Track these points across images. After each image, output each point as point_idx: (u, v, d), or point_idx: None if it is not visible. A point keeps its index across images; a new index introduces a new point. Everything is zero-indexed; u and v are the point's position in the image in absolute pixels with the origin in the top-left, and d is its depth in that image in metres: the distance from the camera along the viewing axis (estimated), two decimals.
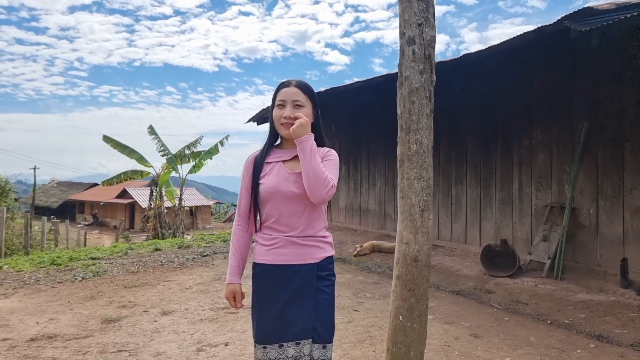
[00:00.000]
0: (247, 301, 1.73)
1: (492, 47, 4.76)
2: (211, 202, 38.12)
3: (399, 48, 2.11)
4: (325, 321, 1.66)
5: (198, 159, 15.08)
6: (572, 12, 3.91)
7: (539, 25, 4.21)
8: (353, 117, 8.97)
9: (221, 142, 15.40)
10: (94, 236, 24.87)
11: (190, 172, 15.27)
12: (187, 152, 15.31)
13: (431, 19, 2.05)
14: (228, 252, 6.95)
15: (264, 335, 1.63)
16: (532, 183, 5.61)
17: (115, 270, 5.64)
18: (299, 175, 1.65)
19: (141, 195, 27.39)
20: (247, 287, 1.69)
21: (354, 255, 6.52)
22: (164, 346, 3.16)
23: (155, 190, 15.42)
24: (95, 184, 37.21)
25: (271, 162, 1.72)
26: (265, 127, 1.85)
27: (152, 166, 15.19)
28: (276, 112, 1.71)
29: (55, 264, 5.93)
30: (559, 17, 3.97)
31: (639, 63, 4.57)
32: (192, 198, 29.15)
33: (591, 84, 5.01)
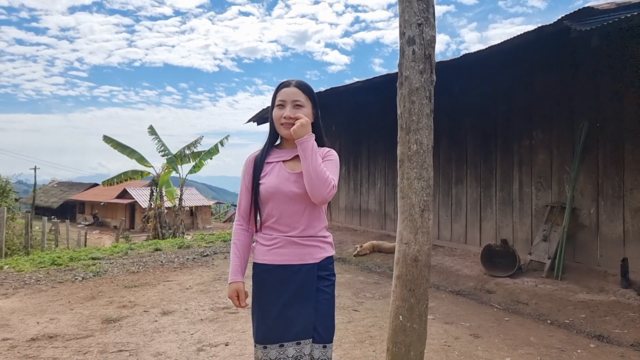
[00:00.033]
0: (248, 300, 1.73)
1: (492, 47, 4.76)
2: (211, 202, 38.13)
3: (399, 48, 2.11)
4: (325, 321, 1.66)
5: (198, 159, 15.09)
6: (572, 11, 3.91)
7: (539, 25, 4.21)
8: (353, 117, 8.97)
9: (221, 142, 15.41)
10: (95, 236, 24.88)
11: (191, 172, 15.27)
12: (187, 152, 15.31)
13: (431, 19, 2.05)
14: (228, 252, 6.96)
15: (264, 335, 1.63)
16: (533, 183, 5.61)
17: (115, 271, 5.65)
18: (300, 175, 1.65)
19: (141, 195, 27.41)
20: (247, 287, 1.69)
21: (354, 255, 6.52)
22: (164, 346, 3.16)
23: (156, 190, 15.42)
24: (96, 184, 37.22)
25: (271, 162, 1.72)
26: (265, 127, 1.85)
27: (152, 166, 15.20)
28: (276, 112, 1.71)
29: (55, 264, 5.93)
30: (559, 17, 3.97)
31: (639, 63, 4.57)
32: (192, 198, 29.15)
33: (591, 84, 5.01)
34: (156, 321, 3.69)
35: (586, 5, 3.96)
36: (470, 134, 6.48)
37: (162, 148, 15.16)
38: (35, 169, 37.47)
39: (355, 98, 8.03)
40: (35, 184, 38.26)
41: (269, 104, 1.78)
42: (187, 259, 6.48)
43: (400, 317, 2.03)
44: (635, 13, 3.41)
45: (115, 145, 14.75)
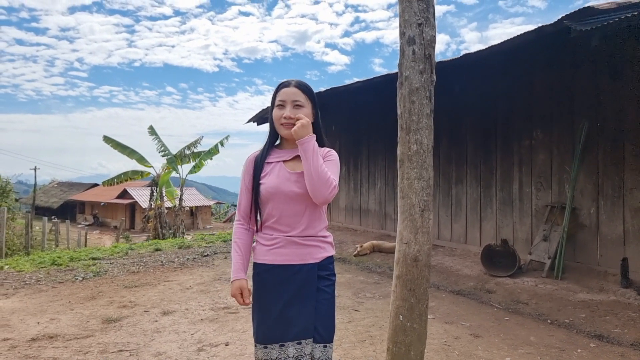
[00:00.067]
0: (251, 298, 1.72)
1: (492, 47, 4.76)
2: (211, 203, 38.14)
3: (399, 48, 2.11)
4: (325, 321, 1.66)
5: (198, 159, 15.09)
6: (572, 11, 3.91)
7: (540, 25, 4.21)
8: (353, 117, 8.97)
9: (221, 143, 15.41)
10: (95, 236, 24.89)
11: (191, 172, 15.28)
12: (187, 152, 15.32)
13: (431, 19, 2.05)
14: (228, 252, 6.96)
15: (264, 335, 1.63)
16: (533, 183, 5.61)
17: (115, 271, 5.65)
18: (300, 175, 1.65)
19: (141, 195, 27.42)
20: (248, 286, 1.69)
21: (354, 255, 6.52)
22: (165, 346, 3.16)
23: (156, 190, 15.42)
24: (96, 185, 37.23)
25: (272, 162, 1.72)
26: (265, 127, 1.85)
27: (152, 166, 15.21)
28: (276, 113, 1.71)
29: (56, 264, 5.93)
30: (560, 17, 3.97)
31: (639, 63, 4.57)
32: (193, 198, 29.16)
33: (591, 84, 5.01)
34: (156, 321, 3.69)
35: (586, 5, 3.97)
36: (470, 134, 6.48)
37: (162, 148, 15.17)
38: (35, 169, 37.49)
39: (355, 98, 8.03)
40: (35, 184, 38.27)
41: (269, 104, 1.78)
42: (188, 259, 6.48)
43: (401, 316, 2.03)
44: (636, 13, 3.41)
45: (115, 145, 14.76)
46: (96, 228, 30.40)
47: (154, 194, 15.53)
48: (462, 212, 6.57)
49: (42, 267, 5.76)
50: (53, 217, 24.06)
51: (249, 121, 9.61)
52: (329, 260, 1.73)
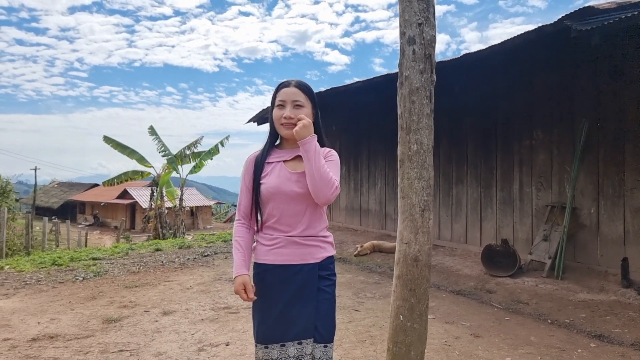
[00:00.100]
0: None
1: (492, 46, 4.76)
2: (212, 203, 38.15)
3: (399, 48, 2.11)
4: (326, 321, 1.66)
5: (198, 159, 15.10)
6: (572, 11, 3.91)
7: (540, 24, 4.21)
8: (353, 117, 8.97)
9: (221, 143, 15.42)
10: (95, 236, 24.90)
11: (191, 172, 15.28)
12: (187, 152, 15.33)
13: (431, 19, 2.05)
14: (229, 252, 6.96)
15: (265, 335, 1.63)
16: (533, 183, 5.61)
17: (116, 271, 5.65)
18: (301, 175, 1.65)
19: (142, 195, 27.43)
20: None
21: (355, 255, 6.52)
22: (165, 346, 3.16)
23: (156, 190, 15.43)
24: (96, 185, 37.25)
25: (272, 162, 1.72)
26: (266, 127, 1.85)
27: (152, 166, 15.21)
28: (276, 113, 1.71)
29: (56, 264, 5.93)
30: (560, 17, 3.97)
31: (639, 62, 4.57)
32: (193, 198, 29.18)
33: (592, 84, 5.01)
34: (157, 321, 3.70)
35: (587, 4, 3.96)
36: (470, 133, 6.48)
37: (163, 148, 15.17)
38: (35, 169, 37.49)
39: (356, 98, 8.03)
40: (35, 185, 38.28)
41: (269, 104, 1.78)
42: (188, 259, 6.49)
43: (401, 316, 2.03)
44: (636, 12, 3.41)
45: (115, 145, 14.76)
46: (96, 228, 30.41)
47: (154, 194, 15.54)
48: (462, 212, 6.56)
49: (42, 267, 5.77)
50: (53, 217, 24.08)
51: (249, 121, 9.61)
52: (330, 260, 1.73)
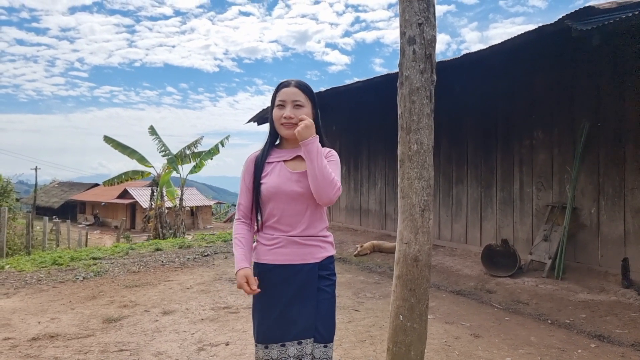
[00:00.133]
0: (248, 300, 1.72)
1: (492, 46, 4.76)
2: (212, 202, 38.16)
3: (399, 48, 2.11)
4: (326, 320, 1.66)
5: (199, 159, 15.11)
6: (573, 11, 3.90)
7: (540, 24, 4.21)
8: (353, 117, 8.97)
9: (222, 143, 15.43)
10: (95, 236, 24.91)
11: (191, 172, 15.29)
12: (187, 152, 15.34)
13: (432, 19, 2.05)
14: (229, 252, 6.96)
15: (265, 335, 1.63)
16: (533, 183, 5.61)
17: (116, 270, 5.65)
18: (302, 174, 1.65)
19: (142, 195, 27.44)
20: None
21: (355, 255, 6.52)
22: (165, 345, 3.16)
23: (156, 190, 15.44)
24: (96, 184, 37.27)
25: (272, 162, 1.72)
26: (266, 127, 1.85)
27: (152, 166, 15.22)
28: (276, 112, 1.70)
29: (56, 264, 5.94)
30: (560, 17, 3.97)
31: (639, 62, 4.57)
32: (193, 198, 29.19)
33: (592, 84, 5.01)
34: (157, 321, 3.70)
35: (587, 4, 3.96)
36: (470, 133, 6.48)
37: (163, 148, 15.18)
38: (36, 169, 37.52)
39: (356, 98, 8.03)
40: (36, 184, 38.31)
41: (269, 104, 1.78)
42: (188, 258, 6.49)
43: (401, 316, 2.03)
44: (637, 12, 3.41)
45: (115, 145, 14.77)
46: (97, 228, 30.43)
47: (155, 193, 15.55)
48: (462, 212, 6.56)
49: (43, 267, 5.77)
50: (54, 217, 24.08)
51: (249, 121, 9.62)
52: (330, 260, 1.73)
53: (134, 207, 30.09)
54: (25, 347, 3.10)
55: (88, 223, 31.76)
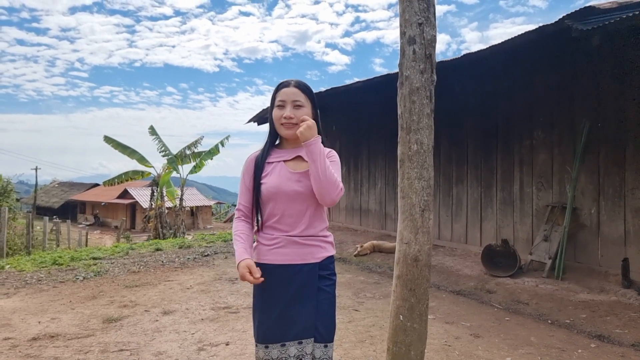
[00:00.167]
0: (248, 300, 1.72)
1: (493, 46, 4.75)
2: (212, 203, 38.17)
3: (399, 48, 2.11)
4: (326, 320, 1.66)
5: (199, 159, 15.11)
6: (573, 11, 3.90)
7: (540, 24, 4.20)
8: (353, 117, 8.97)
9: (222, 143, 15.43)
10: (95, 236, 24.91)
11: (191, 172, 15.29)
12: (187, 152, 15.34)
13: (432, 19, 2.05)
14: (229, 252, 6.96)
15: (265, 335, 1.63)
16: (533, 183, 5.61)
17: (116, 270, 5.65)
18: (302, 174, 1.65)
19: (142, 195, 27.45)
20: (248, 287, 1.68)
21: (355, 255, 6.52)
22: (165, 345, 3.16)
23: (156, 190, 15.44)
24: (97, 184, 37.28)
25: (272, 162, 1.72)
26: (266, 127, 1.85)
27: (153, 166, 15.22)
28: (276, 113, 1.70)
29: (56, 264, 5.94)
30: (561, 17, 3.96)
31: None
32: (193, 198, 29.19)
33: (592, 84, 5.01)
34: (157, 321, 3.70)
35: (587, 4, 3.96)
36: (470, 133, 6.48)
37: (163, 148, 15.19)
38: (36, 169, 37.52)
39: (356, 98, 8.03)
40: (36, 184, 38.31)
41: (269, 104, 1.78)
42: (188, 258, 6.49)
43: (401, 316, 2.03)
44: (637, 12, 3.41)
45: (116, 145, 14.78)
46: (97, 228, 30.43)
47: (155, 194, 15.56)
48: (462, 212, 6.56)
49: (43, 267, 5.77)
50: (54, 217, 24.09)
51: (249, 121, 9.62)
52: (330, 260, 1.72)
53: (134, 207, 30.10)
54: (26, 347, 3.10)
55: (88, 223, 31.77)
